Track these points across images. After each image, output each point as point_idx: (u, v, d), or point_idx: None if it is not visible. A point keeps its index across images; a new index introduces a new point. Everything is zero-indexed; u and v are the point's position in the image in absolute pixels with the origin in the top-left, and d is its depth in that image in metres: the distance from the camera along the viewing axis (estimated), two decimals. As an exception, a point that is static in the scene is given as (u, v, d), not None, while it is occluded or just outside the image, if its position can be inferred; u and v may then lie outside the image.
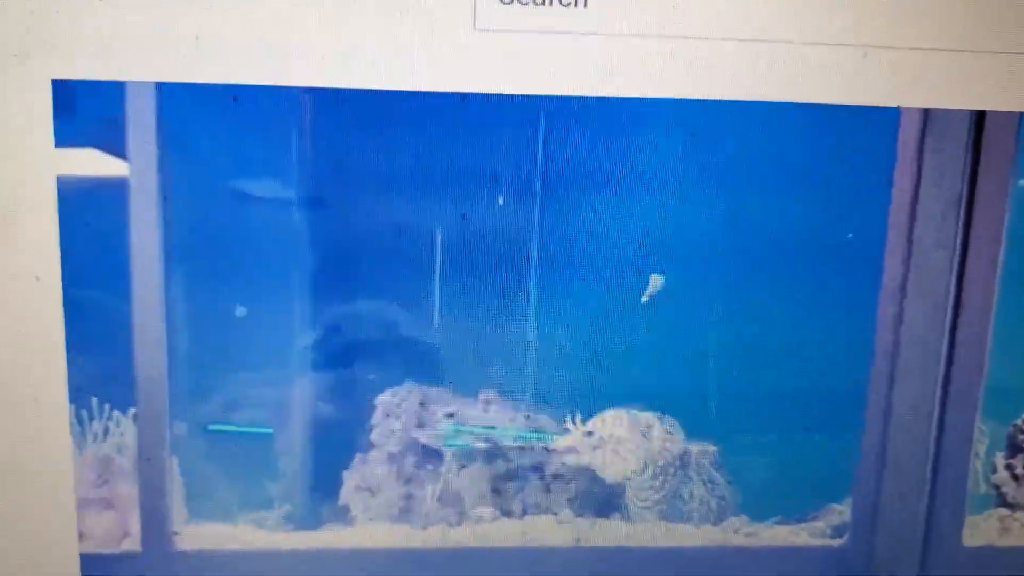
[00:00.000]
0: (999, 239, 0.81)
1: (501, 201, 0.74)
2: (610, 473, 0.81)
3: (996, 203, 0.80)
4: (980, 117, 0.77)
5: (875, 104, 0.70)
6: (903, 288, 0.81)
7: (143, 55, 0.64)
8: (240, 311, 0.74)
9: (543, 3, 0.66)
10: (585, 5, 0.67)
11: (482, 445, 0.80)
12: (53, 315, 0.69)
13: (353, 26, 0.65)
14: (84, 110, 0.68)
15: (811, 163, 0.78)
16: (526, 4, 0.66)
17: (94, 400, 0.75)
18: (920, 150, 0.78)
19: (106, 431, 0.75)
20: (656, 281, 0.77)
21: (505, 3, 0.66)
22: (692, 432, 0.82)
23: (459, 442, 0.79)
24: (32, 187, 0.67)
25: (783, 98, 0.69)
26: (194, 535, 0.77)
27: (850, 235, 0.80)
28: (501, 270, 0.76)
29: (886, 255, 0.80)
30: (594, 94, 0.68)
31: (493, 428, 0.80)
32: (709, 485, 0.83)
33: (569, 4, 0.66)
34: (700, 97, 0.69)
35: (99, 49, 0.64)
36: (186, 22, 0.64)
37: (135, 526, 0.77)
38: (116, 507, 0.76)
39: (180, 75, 0.65)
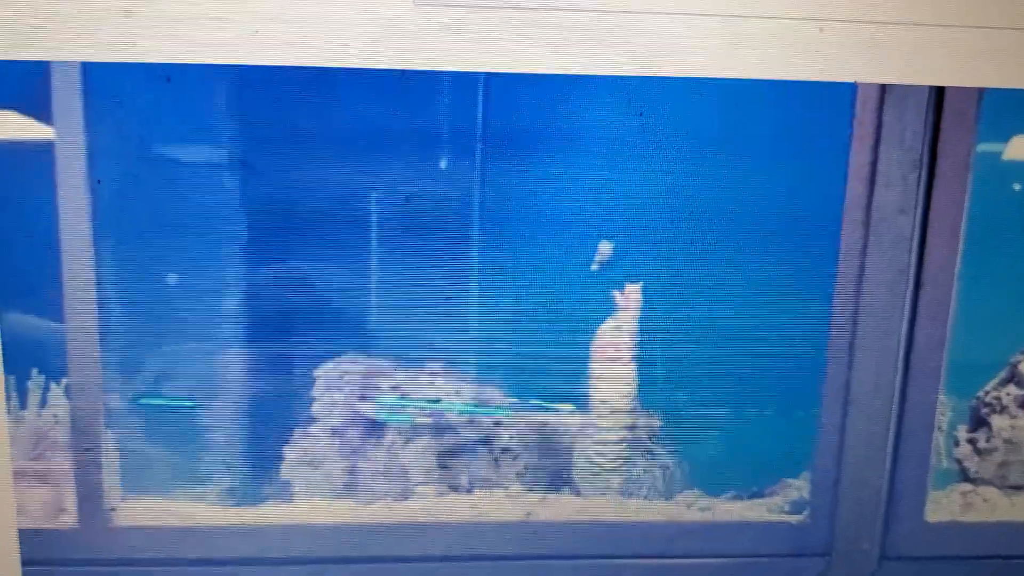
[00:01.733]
0: (961, 207, 0.79)
1: (443, 165, 0.72)
2: (560, 448, 0.80)
3: (958, 169, 0.78)
4: (941, 80, 0.75)
5: (832, 80, 0.69)
6: (863, 256, 0.79)
7: (70, 35, 0.62)
8: (172, 279, 0.72)
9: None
10: (529, -21, 0.65)
11: (427, 419, 0.78)
12: None
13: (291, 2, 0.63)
14: (6, 72, 0.67)
15: (768, 130, 0.76)
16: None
17: (34, 371, 0.73)
18: (879, 113, 0.77)
19: (41, 402, 0.74)
20: (605, 248, 0.76)
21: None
22: (644, 405, 0.80)
23: (402, 416, 0.78)
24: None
25: (737, 75, 0.68)
26: (132, 511, 0.76)
27: (808, 205, 0.78)
28: (443, 238, 0.74)
29: (844, 222, 0.79)
30: (538, 71, 0.66)
31: (439, 401, 0.78)
32: (659, 459, 0.82)
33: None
34: (652, 74, 0.67)
35: (24, 29, 0.62)
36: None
37: (71, 501, 0.75)
38: (51, 481, 0.74)
39: (109, 55, 0.63)
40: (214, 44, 0.63)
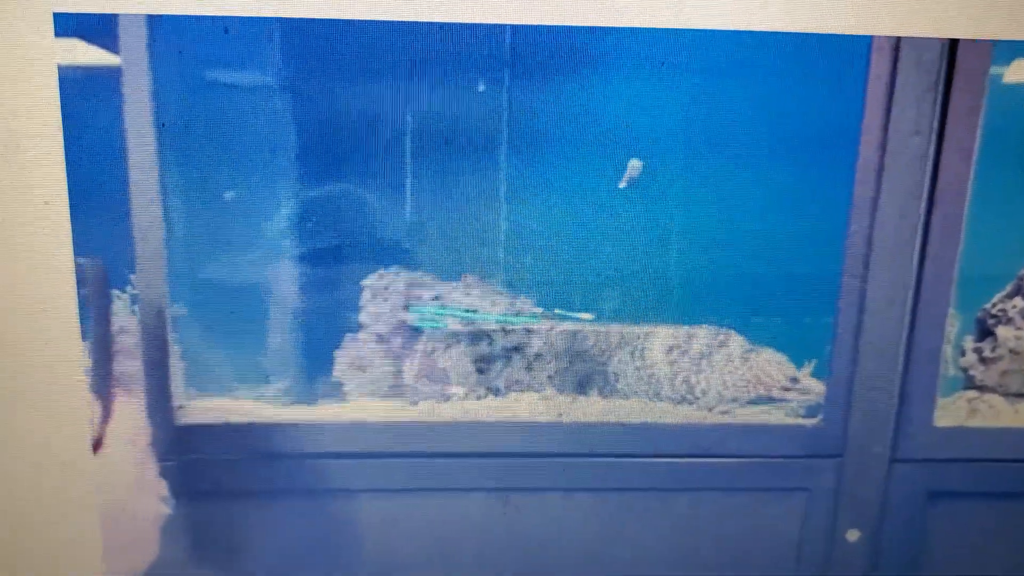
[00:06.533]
0: (975, 127, 0.82)
1: (479, 88, 0.76)
2: (588, 355, 0.85)
3: (973, 90, 0.81)
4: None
5: (847, 32, 0.72)
6: (879, 173, 0.82)
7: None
8: (229, 195, 0.77)
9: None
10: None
11: (466, 327, 0.83)
12: (62, 235, 0.73)
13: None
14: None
15: (787, 48, 0.79)
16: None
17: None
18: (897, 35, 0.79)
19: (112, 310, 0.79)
20: (635, 165, 0.80)
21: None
22: (663, 315, 0.84)
23: (440, 324, 0.83)
24: (36, 112, 0.70)
25: (749, 27, 0.71)
26: (196, 410, 0.82)
27: (827, 124, 0.81)
28: (478, 155, 0.78)
29: (861, 141, 0.81)
30: (565, 23, 0.70)
31: (475, 311, 0.83)
32: (669, 365, 0.86)
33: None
34: (673, 27, 0.70)
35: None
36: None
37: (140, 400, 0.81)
38: (122, 383, 0.80)
39: (172, 7, 0.67)
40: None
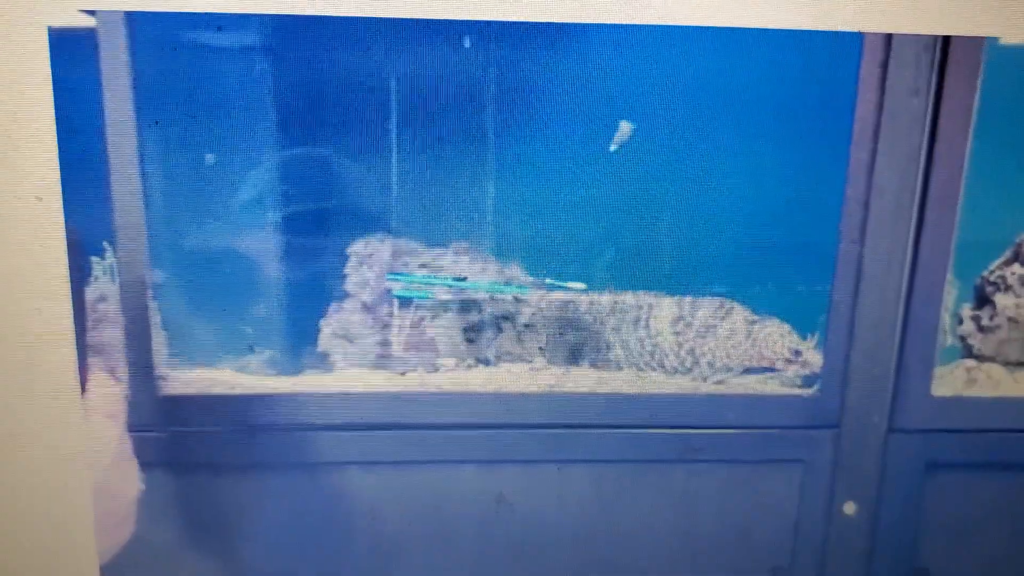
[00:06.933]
0: (974, 88, 0.81)
1: (465, 44, 0.74)
2: (580, 325, 0.83)
3: (971, 51, 0.79)
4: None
5: (838, 29, 0.72)
6: (875, 136, 0.81)
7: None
8: (210, 158, 0.75)
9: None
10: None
11: (454, 296, 0.81)
12: (56, 232, 0.71)
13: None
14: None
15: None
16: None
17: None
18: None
19: (91, 277, 0.77)
20: (625, 128, 0.78)
21: None
22: (655, 284, 0.83)
23: (426, 294, 0.81)
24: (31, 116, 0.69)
25: (739, 23, 0.71)
26: (178, 380, 0.80)
27: (822, 86, 0.79)
28: (465, 118, 0.76)
29: (857, 103, 0.80)
30: (562, 20, 0.68)
31: (464, 279, 0.81)
32: (674, 336, 0.85)
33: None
34: (663, 23, 0.69)
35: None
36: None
37: (121, 371, 0.79)
38: (102, 352, 0.78)
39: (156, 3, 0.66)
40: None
